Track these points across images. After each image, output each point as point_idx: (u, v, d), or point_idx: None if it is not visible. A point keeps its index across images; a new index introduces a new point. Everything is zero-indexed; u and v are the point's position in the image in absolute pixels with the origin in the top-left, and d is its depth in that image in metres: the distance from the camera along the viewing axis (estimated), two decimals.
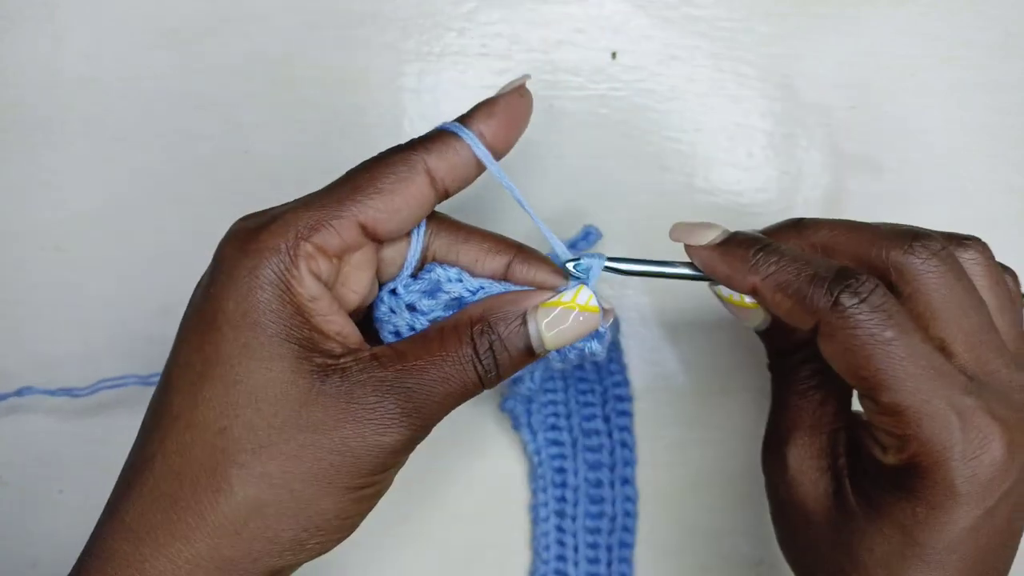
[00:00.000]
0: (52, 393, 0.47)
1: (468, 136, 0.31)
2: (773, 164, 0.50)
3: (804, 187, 0.50)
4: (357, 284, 0.32)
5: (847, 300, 0.29)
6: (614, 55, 0.49)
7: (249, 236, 0.30)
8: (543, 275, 0.33)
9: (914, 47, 0.49)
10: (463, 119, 0.33)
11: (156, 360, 0.49)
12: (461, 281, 0.32)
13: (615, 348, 0.47)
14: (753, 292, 0.32)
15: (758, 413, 0.41)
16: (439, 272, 0.33)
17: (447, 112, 0.49)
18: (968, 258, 0.33)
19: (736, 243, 0.33)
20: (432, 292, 0.33)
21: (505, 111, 0.32)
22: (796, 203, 0.50)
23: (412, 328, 0.33)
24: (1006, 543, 0.31)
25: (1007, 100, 0.50)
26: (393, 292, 0.33)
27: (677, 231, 0.34)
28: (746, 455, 0.48)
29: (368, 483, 0.30)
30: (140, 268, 0.49)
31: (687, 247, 0.34)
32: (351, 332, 0.31)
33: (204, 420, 0.29)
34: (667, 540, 0.50)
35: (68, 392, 0.47)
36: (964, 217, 0.50)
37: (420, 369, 0.30)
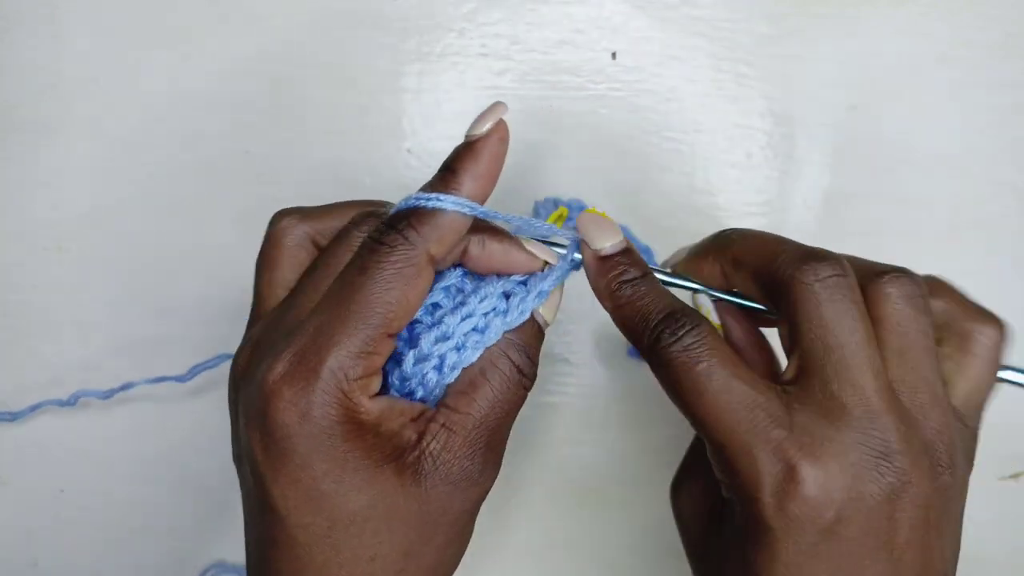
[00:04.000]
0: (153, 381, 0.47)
1: (460, 206, 0.31)
2: (773, 164, 0.50)
3: (804, 187, 0.50)
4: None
5: (664, 339, 0.31)
6: (614, 55, 0.49)
7: (304, 400, 0.29)
8: (495, 246, 0.34)
9: (914, 47, 0.49)
10: (449, 183, 0.32)
11: (156, 360, 0.49)
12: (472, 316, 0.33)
13: None
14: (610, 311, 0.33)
15: None
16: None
17: (447, 112, 0.49)
18: (886, 292, 0.31)
19: (612, 263, 0.33)
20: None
21: (489, 166, 0.32)
22: (796, 203, 0.50)
23: (454, 366, 0.33)
24: None
25: (1007, 100, 0.50)
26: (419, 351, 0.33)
27: (583, 219, 0.34)
28: None
29: (474, 519, 0.34)
30: (140, 268, 0.49)
31: (581, 243, 0.34)
32: (406, 406, 0.32)
33: (354, 557, 0.31)
34: (668, 540, 0.50)
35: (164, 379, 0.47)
36: (964, 217, 0.50)
37: (484, 410, 0.32)
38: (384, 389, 0.33)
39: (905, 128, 0.50)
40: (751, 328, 0.37)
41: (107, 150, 0.49)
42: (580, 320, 0.49)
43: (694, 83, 0.49)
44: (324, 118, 0.49)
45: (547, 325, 0.34)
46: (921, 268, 0.51)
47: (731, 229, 0.35)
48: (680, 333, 0.30)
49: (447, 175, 0.32)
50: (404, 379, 0.33)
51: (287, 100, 0.49)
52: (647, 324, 0.31)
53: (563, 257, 0.34)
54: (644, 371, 0.50)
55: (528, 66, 0.49)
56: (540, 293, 0.33)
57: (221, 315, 0.49)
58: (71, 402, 0.47)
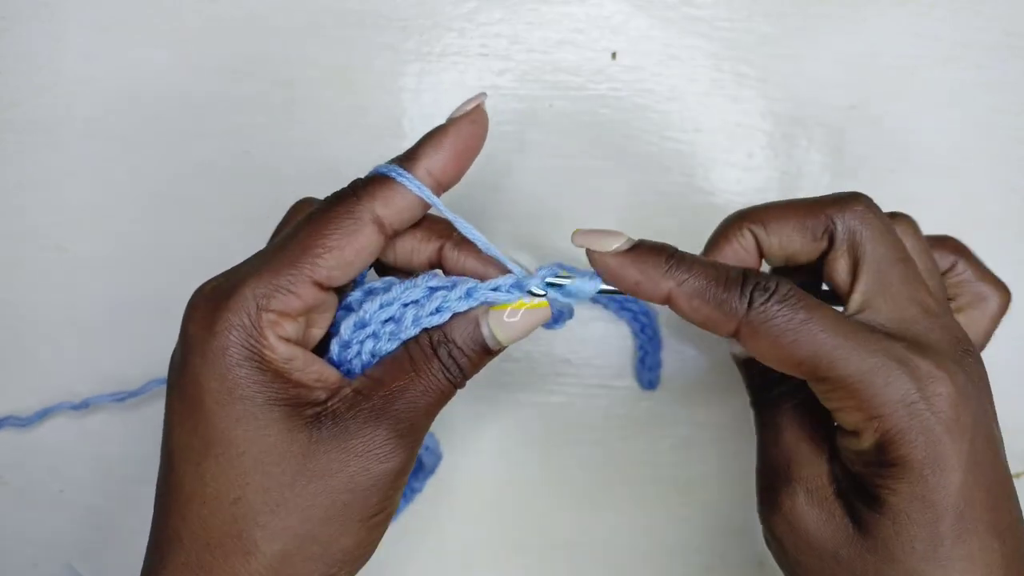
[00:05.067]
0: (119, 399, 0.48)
1: (410, 182, 0.32)
2: (773, 164, 0.50)
3: (804, 187, 0.50)
4: (322, 323, 0.34)
5: (759, 297, 0.30)
6: (614, 55, 0.49)
7: (212, 315, 0.30)
8: (471, 262, 0.34)
9: (914, 47, 0.49)
10: (409, 156, 0.33)
11: (155, 360, 0.49)
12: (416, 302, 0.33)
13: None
14: (666, 300, 0.32)
15: None
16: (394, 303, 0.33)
17: (447, 112, 0.49)
18: (901, 230, 0.35)
19: (647, 250, 0.32)
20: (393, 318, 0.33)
21: (454, 143, 0.33)
22: None
23: (373, 354, 0.33)
24: (1002, 479, 0.31)
25: (1007, 100, 0.50)
26: (357, 320, 0.33)
27: (580, 237, 0.33)
28: (746, 455, 0.48)
29: (379, 510, 0.32)
30: (140, 268, 0.49)
31: (590, 253, 0.33)
32: (330, 373, 0.32)
33: (217, 494, 0.30)
34: (668, 540, 0.50)
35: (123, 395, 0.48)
36: (964, 217, 0.50)
37: (401, 390, 0.32)
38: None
39: (905, 128, 0.50)
40: None
41: (107, 150, 0.49)
42: (581, 320, 0.49)
43: (694, 83, 0.49)
44: (324, 118, 0.49)
45: (497, 345, 0.33)
46: None
47: (746, 207, 0.36)
48: (772, 286, 0.30)
49: (409, 151, 0.33)
50: (336, 365, 0.34)
51: (286, 100, 0.49)
52: (733, 289, 0.31)
53: (513, 276, 0.33)
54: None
55: (528, 66, 0.49)
56: (468, 294, 0.33)
57: None
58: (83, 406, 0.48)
